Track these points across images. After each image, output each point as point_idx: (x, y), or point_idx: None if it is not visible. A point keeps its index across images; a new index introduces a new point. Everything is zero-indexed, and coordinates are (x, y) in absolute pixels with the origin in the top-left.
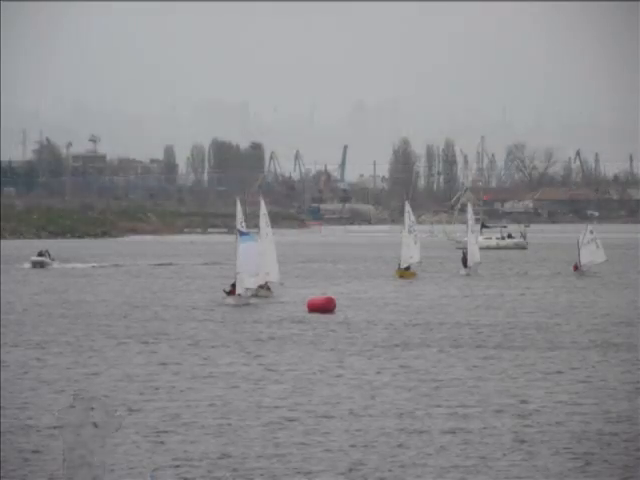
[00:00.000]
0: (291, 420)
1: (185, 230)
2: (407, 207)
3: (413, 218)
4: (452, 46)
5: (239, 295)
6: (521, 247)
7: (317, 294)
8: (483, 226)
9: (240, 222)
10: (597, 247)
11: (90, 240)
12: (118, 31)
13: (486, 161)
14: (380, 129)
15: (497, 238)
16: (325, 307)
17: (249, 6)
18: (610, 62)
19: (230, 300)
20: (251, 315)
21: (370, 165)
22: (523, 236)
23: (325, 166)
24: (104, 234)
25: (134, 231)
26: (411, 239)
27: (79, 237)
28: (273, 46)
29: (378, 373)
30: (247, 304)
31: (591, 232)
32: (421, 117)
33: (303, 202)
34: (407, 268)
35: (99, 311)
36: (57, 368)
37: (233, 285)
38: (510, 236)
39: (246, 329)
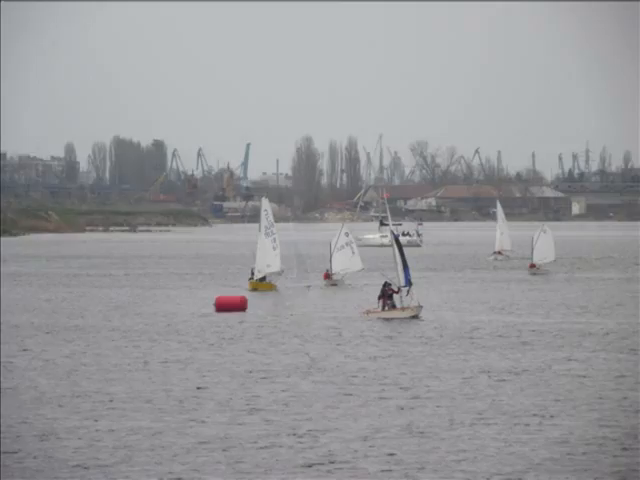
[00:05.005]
0: None
1: (87, 228)
2: (264, 203)
3: (272, 218)
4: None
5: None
6: (415, 245)
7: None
8: (381, 224)
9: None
10: (353, 253)
11: None
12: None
13: (389, 159)
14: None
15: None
16: (238, 306)
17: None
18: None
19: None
20: None
21: (273, 163)
22: (418, 234)
23: (228, 164)
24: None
25: (35, 229)
26: (269, 243)
27: None
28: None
29: None
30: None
31: (346, 234)
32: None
33: (205, 200)
34: (263, 279)
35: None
36: None
37: None
38: (405, 234)
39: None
